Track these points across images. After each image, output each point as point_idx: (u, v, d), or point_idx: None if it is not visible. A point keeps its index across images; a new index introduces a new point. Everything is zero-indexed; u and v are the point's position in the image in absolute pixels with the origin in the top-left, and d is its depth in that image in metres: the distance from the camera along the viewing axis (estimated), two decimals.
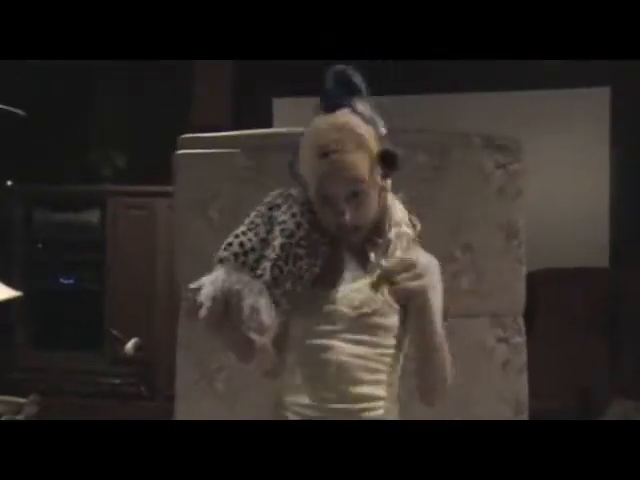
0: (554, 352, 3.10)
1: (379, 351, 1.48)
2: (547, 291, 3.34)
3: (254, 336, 1.39)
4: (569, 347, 3.22)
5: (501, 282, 2.33)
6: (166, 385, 3.24)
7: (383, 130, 1.45)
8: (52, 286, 3.99)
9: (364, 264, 1.47)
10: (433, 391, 1.55)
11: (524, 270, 2.35)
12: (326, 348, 1.45)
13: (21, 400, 2.74)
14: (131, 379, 3.78)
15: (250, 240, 1.47)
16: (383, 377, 1.51)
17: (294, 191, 1.53)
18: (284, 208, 1.49)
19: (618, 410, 2.54)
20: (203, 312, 1.39)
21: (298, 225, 1.45)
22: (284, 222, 1.46)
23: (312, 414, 1.47)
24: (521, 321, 2.36)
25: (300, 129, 2.37)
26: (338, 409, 1.45)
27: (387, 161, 1.43)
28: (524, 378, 2.34)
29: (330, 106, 1.42)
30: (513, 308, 2.36)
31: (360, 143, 1.39)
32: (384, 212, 1.49)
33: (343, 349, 1.44)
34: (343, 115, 1.40)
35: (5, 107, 2.77)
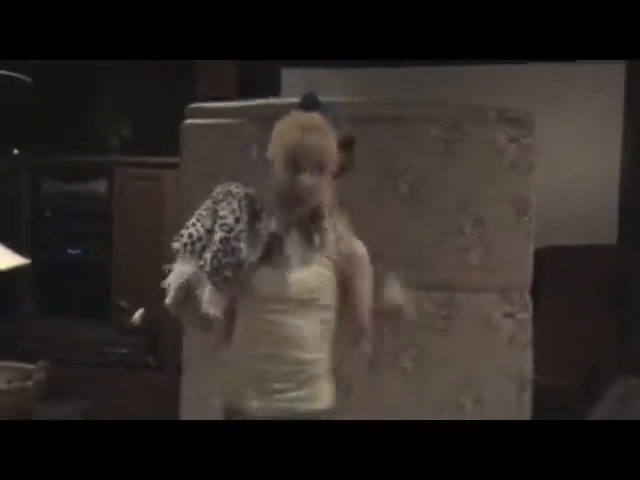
0: (560, 328, 3.09)
1: (323, 327, 1.66)
2: (554, 268, 3.33)
3: (207, 315, 1.63)
4: (575, 324, 3.21)
5: (510, 257, 2.32)
6: (173, 355, 3.26)
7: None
8: (59, 256, 4.00)
9: (307, 246, 1.64)
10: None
11: (532, 245, 2.34)
12: (275, 323, 1.63)
13: (30, 366, 2.76)
14: (138, 349, 3.80)
15: (197, 231, 1.69)
16: (325, 348, 1.69)
17: (234, 187, 1.73)
18: (224, 204, 1.69)
19: (623, 387, 2.53)
20: (167, 299, 1.70)
21: (237, 219, 1.65)
22: (224, 217, 1.66)
23: (263, 365, 1.64)
24: (528, 297, 2.36)
25: None
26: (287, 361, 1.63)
27: (347, 143, 1.63)
28: (529, 354, 2.34)
29: (310, 105, 1.65)
30: (520, 283, 2.35)
31: (331, 137, 1.59)
32: (325, 200, 1.64)
33: (292, 324, 1.62)
34: (319, 115, 1.62)
35: (11, 73, 2.75)
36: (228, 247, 1.64)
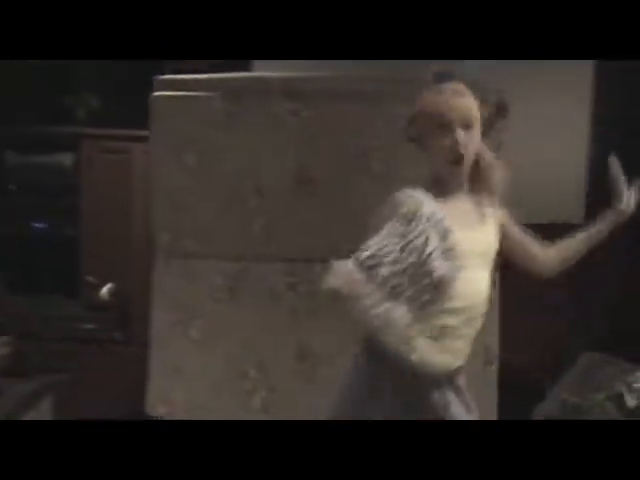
0: (524, 305, 3.15)
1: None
2: None
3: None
4: (540, 300, 3.27)
5: None
6: (141, 331, 3.24)
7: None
8: (25, 231, 3.92)
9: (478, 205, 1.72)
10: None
11: None
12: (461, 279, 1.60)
13: None
14: (106, 325, 3.77)
15: (385, 247, 1.54)
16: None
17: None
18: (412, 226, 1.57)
19: (585, 363, 2.60)
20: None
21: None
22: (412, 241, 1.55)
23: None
24: (496, 275, 2.39)
25: (279, 74, 2.34)
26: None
27: (500, 108, 1.81)
28: (495, 329, 2.38)
29: (442, 78, 1.72)
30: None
31: (470, 94, 1.67)
32: (483, 155, 1.72)
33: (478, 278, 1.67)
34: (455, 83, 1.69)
35: None
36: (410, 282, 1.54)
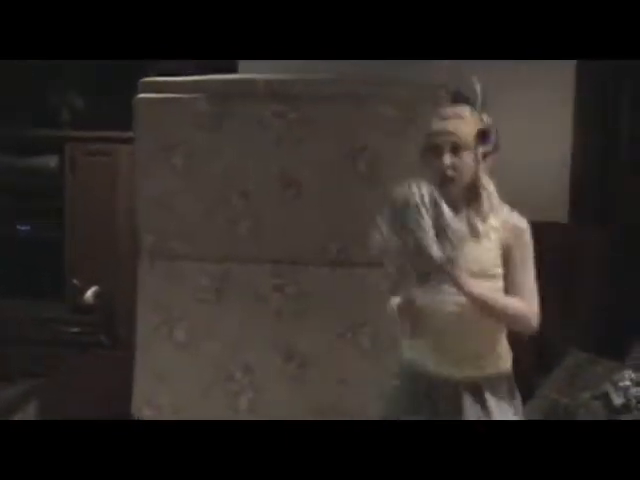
0: None
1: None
2: None
3: None
4: None
5: None
6: (126, 334, 3.22)
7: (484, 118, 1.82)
8: (8, 233, 3.89)
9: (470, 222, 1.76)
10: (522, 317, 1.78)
11: None
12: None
13: None
14: (91, 328, 3.74)
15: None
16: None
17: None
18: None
19: (572, 362, 2.61)
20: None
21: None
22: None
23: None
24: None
25: (265, 75, 2.33)
26: None
27: (481, 136, 1.79)
28: None
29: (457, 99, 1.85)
30: None
31: (469, 119, 1.78)
32: (476, 178, 1.79)
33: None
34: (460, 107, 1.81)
35: None
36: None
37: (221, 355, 2.37)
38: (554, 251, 3.46)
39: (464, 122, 1.77)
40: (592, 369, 2.42)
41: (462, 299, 1.66)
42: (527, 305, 1.78)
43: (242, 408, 2.37)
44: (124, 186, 3.61)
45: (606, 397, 2.19)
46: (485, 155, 1.82)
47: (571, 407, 2.29)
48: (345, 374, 2.34)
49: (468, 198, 1.78)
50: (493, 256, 1.76)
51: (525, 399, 2.43)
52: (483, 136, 1.81)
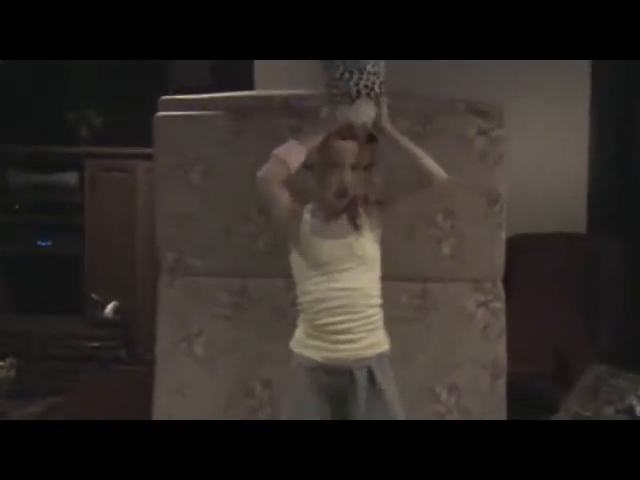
0: (532, 317, 3.14)
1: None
2: (526, 257, 3.37)
3: None
4: (547, 312, 3.26)
5: (481, 247, 2.35)
6: (146, 349, 3.24)
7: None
8: (29, 249, 3.94)
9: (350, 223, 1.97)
10: (435, 165, 1.98)
11: (504, 235, 2.37)
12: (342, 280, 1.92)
13: None
14: (110, 343, 3.77)
15: None
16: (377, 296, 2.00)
17: None
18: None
19: (593, 375, 2.58)
20: None
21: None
22: None
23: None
24: (500, 286, 2.39)
25: (281, 92, 2.35)
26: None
27: (369, 138, 1.97)
28: (503, 342, 2.37)
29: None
30: (493, 273, 2.38)
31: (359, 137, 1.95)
32: (361, 185, 1.98)
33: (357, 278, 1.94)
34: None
35: None
36: None
37: (240, 370, 2.38)
38: (573, 262, 3.44)
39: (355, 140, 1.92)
40: (615, 382, 2.39)
41: (354, 286, 1.90)
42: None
43: None
44: (143, 202, 3.66)
45: (631, 410, 2.17)
46: (367, 167, 1.99)
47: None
48: None
49: (349, 202, 1.97)
50: (370, 247, 1.97)
51: (548, 413, 2.42)
52: (370, 139, 1.97)
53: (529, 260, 3.42)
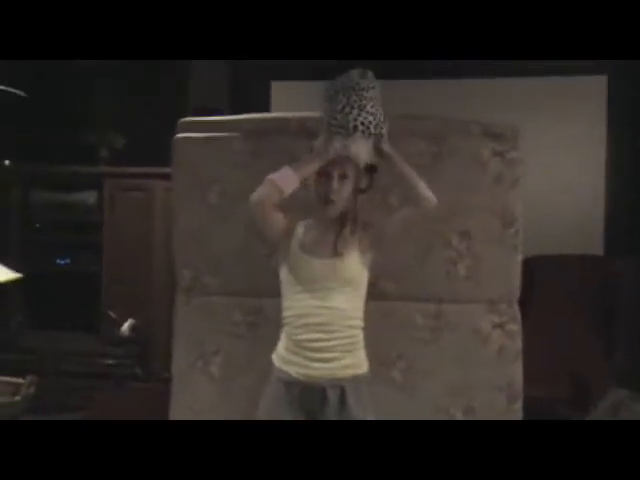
0: (549, 339, 3.12)
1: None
2: (542, 278, 3.36)
3: None
4: (564, 334, 3.24)
5: (497, 269, 2.35)
6: (161, 367, 3.26)
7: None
8: (48, 267, 3.99)
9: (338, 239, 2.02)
10: (425, 189, 2.01)
11: (520, 257, 2.37)
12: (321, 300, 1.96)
13: (18, 381, 2.75)
14: (127, 360, 3.80)
15: None
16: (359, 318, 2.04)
17: None
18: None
19: (612, 398, 2.56)
20: None
21: None
22: None
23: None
24: (516, 308, 2.38)
25: (297, 114, 2.38)
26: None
27: (369, 168, 2.04)
28: (519, 365, 2.35)
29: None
30: (508, 295, 2.38)
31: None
32: (353, 206, 2.05)
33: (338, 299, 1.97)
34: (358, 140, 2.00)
35: (5, 88, 2.74)
36: None
37: (256, 389, 2.38)
38: (589, 283, 3.42)
39: (352, 167, 1.98)
40: (633, 406, 2.36)
41: (335, 306, 1.94)
42: None
43: None
44: (160, 221, 3.69)
45: None
46: (363, 191, 2.06)
47: None
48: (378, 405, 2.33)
49: (344, 217, 2.03)
50: (356, 268, 2.00)
51: None
52: (370, 169, 2.03)
53: (545, 282, 3.41)
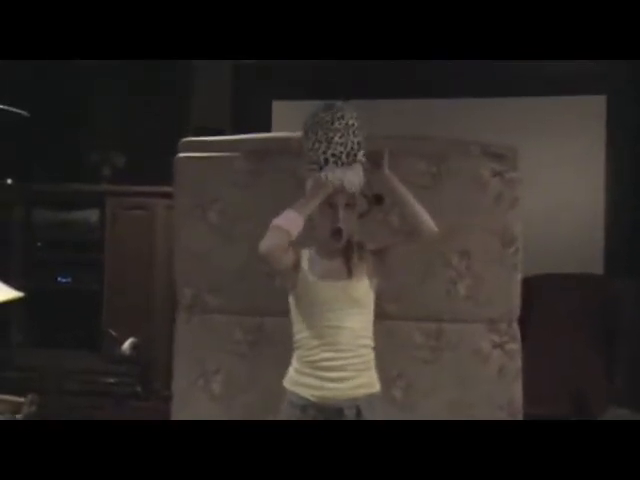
0: (549, 358, 3.12)
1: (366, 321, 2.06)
2: (542, 297, 3.36)
3: None
4: (564, 353, 3.24)
5: (497, 288, 2.36)
6: (162, 385, 3.25)
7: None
8: (49, 285, 3.99)
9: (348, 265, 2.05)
10: (427, 218, 2.02)
11: (519, 277, 2.38)
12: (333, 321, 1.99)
13: (20, 399, 2.74)
14: (127, 379, 3.79)
15: None
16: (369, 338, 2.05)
17: None
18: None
19: (612, 417, 2.55)
20: None
21: None
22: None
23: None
24: (516, 327, 2.39)
25: (298, 133, 2.41)
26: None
27: (376, 199, 2.10)
28: (519, 384, 2.36)
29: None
30: (508, 314, 2.38)
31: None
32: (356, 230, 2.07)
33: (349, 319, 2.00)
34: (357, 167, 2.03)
35: (7, 108, 2.77)
36: None
37: (256, 407, 2.38)
38: (589, 303, 3.42)
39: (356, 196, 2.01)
40: None
41: (347, 325, 1.97)
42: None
43: None
44: (162, 239, 3.70)
45: None
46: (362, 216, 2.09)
47: None
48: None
49: (346, 247, 2.05)
50: (363, 290, 2.02)
51: None
52: (377, 200, 2.10)
53: (546, 301, 3.41)
